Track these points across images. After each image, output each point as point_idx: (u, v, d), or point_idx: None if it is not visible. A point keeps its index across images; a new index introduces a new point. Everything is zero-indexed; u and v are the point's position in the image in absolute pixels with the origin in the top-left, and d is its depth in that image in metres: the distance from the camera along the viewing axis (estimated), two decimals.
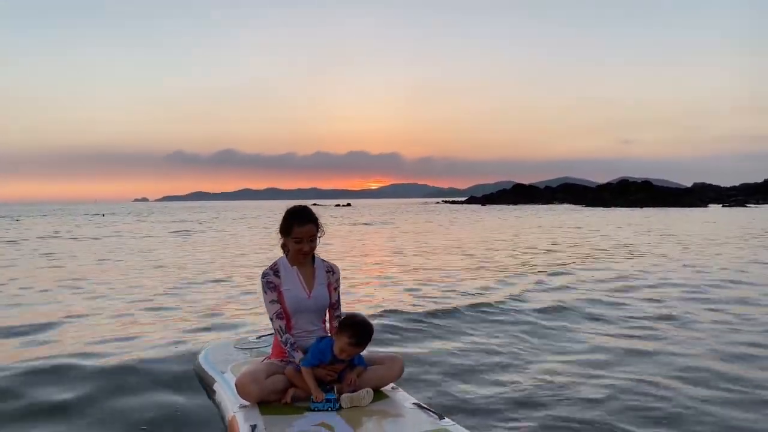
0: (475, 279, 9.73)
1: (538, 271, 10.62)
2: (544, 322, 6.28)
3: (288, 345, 3.47)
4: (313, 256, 3.72)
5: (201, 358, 4.20)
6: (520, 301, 7.52)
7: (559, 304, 7.25)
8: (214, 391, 3.70)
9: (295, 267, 3.63)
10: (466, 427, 3.00)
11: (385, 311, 6.62)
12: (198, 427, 3.56)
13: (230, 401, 3.34)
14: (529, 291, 8.30)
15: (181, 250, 16.44)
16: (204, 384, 3.94)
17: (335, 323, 3.61)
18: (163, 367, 4.49)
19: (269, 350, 4.07)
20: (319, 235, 3.63)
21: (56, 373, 4.35)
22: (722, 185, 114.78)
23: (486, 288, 8.63)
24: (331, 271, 3.73)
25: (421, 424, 3.00)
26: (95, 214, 59.20)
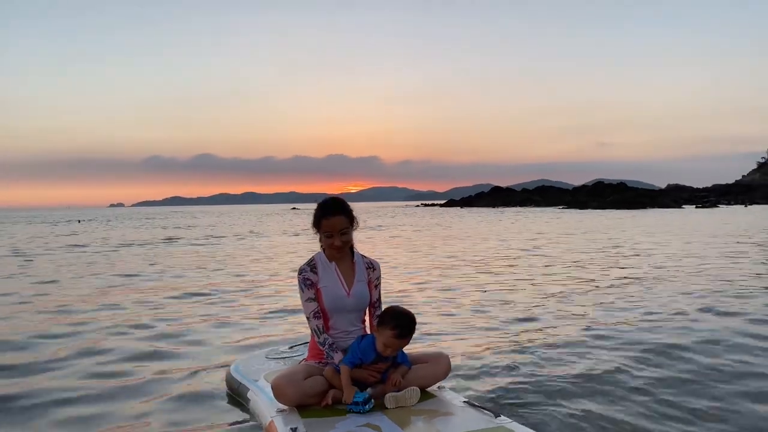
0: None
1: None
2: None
3: (326, 345, 3.28)
4: (353, 251, 3.52)
5: (232, 371, 4.05)
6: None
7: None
8: (248, 400, 3.57)
9: (333, 263, 3.42)
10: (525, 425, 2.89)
11: None
12: None
13: (267, 407, 3.21)
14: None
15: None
16: (237, 395, 3.82)
17: (375, 322, 3.37)
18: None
19: (300, 358, 4.00)
20: (353, 227, 3.42)
21: None
22: (695, 186, 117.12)
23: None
24: (372, 267, 3.53)
25: (475, 423, 2.85)
26: (69, 220, 58.21)
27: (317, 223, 3.38)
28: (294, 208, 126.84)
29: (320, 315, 3.34)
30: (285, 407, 3.08)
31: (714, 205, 77.91)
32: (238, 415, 3.63)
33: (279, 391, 3.06)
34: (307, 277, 3.36)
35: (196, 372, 4.64)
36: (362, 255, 3.56)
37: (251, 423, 3.44)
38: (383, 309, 3.33)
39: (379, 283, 3.56)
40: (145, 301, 8.38)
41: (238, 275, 11.39)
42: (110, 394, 4.17)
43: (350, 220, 3.40)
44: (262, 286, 9.76)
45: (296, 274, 3.47)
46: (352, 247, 3.51)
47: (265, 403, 3.28)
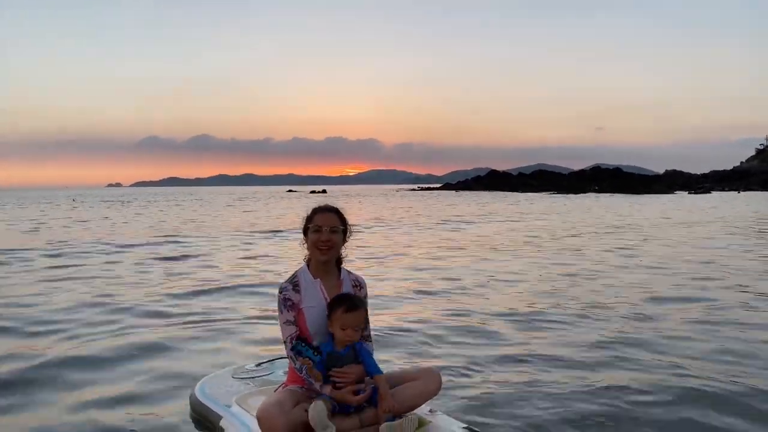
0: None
1: None
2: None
3: (304, 372, 2.99)
4: (339, 268, 3.25)
5: (198, 393, 3.73)
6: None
7: None
8: (221, 429, 3.27)
9: (318, 280, 3.14)
10: None
11: None
12: None
13: None
14: None
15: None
16: (206, 421, 3.51)
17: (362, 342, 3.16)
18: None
19: (271, 378, 3.85)
20: (345, 236, 3.20)
21: None
22: (694, 173, 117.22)
23: None
24: (359, 285, 3.24)
25: None
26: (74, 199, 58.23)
27: (309, 219, 3.17)
28: (290, 191, 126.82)
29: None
30: None
31: (708, 191, 78.14)
32: None
33: (268, 422, 2.75)
34: (288, 297, 3.07)
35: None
36: (348, 271, 3.29)
37: None
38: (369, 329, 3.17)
39: (366, 302, 3.25)
40: None
41: None
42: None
43: (343, 224, 3.19)
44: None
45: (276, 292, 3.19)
46: (339, 263, 3.27)
47: None
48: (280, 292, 3.08)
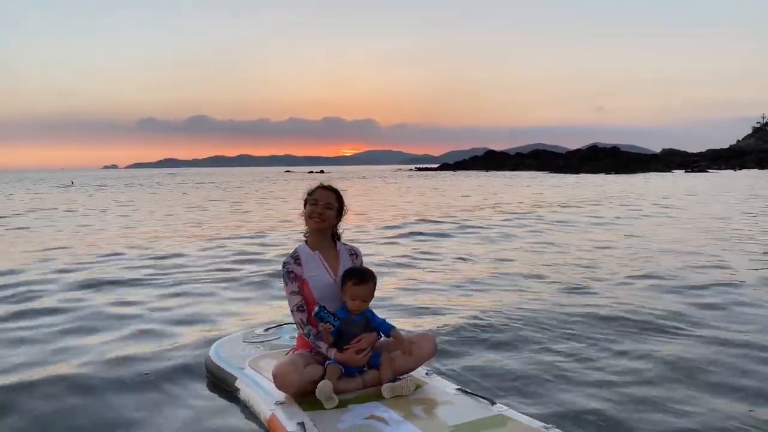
0: None
1: None
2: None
3: (311, 337, 3.31)
4: (335, 240, 3.58)
5: (213, 355, 3.99)
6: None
7: None
8: (237, 389, 3.52)
9: (316, 252, 3.46)
10: (521, 412, 2.96)
11: None
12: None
13: (262, 398, 3.21)
14: None
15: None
16: (222, 382, 3.75)
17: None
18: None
19: (279, 342, 4.14)
20: (340, 214, 3.53)
21: None
22: (691, 151, 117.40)
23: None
24: (355, 254, 3.58)
25: (473, 411, 2.92)
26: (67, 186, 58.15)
27: (310, 194, 3.48)
28: (287, 171, 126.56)
29: (304, 308, 3.35)
30: (283, 398, 3.12)
31: (704, 170, 78.45)
32: (226, 403, 3.53)
33: (282, 378, 3.08)
34: (291, 269, 3.37)
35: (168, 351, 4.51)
36: (344, 243, 3.61)
37: (239, 410, 3.38)
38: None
39: None
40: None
41: None
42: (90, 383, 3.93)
43: (339, 201, 3.51)
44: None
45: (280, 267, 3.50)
46: (334, 237, 3.58)
47: (259, 395, 3.28)
48: (284, 266, 3.40)
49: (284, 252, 8.03)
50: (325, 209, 3.43)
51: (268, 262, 8.45)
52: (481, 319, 5.15)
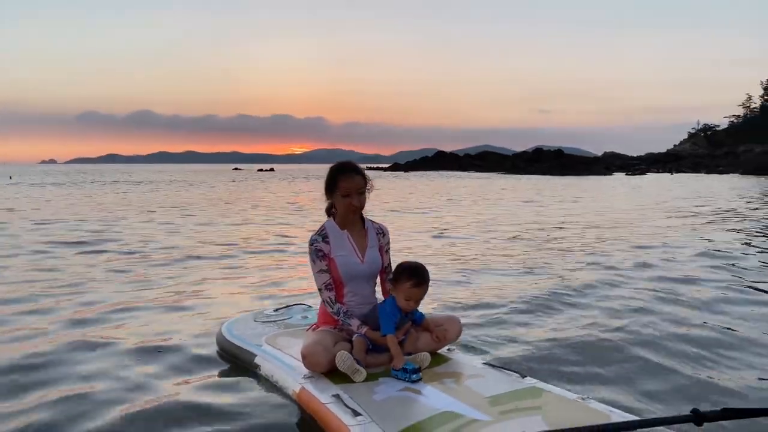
0: None
1: None
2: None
3: (341, 315, 3.28)
4: (362, 218, 3.50)
5: (226, 334, 4.02)
6: None
7: None
8: (257, 366, 3.55)
9: (345, 230, 3.39)
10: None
11: None
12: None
13: (288, 373, 3.24)
14: None
15: None
16: (238, 359, 3.78)
17: (388, 286, 3.43)
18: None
19: (291, 321, 4.18)
20: (368, 188, 3.41)
21: None
22: (631, 155, 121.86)
23: None
24: (382, 232, 3.53)
25: (506, 384, 2.93)
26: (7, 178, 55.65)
27: (333, 184, 3.34)
28: (236, 169, 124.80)
29: (332, 287, 3.33)
30: (310, 373, 3.11)
31: (643, 172, 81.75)
32: (246, 379, 3.59)
33: (313, 358, 3.06)
34: (319, 248, 3.32)
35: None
36: (371, 220, 3.56)
37: (261, 386, 3.45)
38: (395, 267, 3.36)
39: (389, 248, 3.58)
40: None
41: None
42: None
43: (365, 181, 3.39)
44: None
45: (307, 245, 3.40)
46: (361, 214, 3.48)
47: (284, 370, 3.29)
48: (311, 244, 3.33)
49: None
50: (360, 197, 3.34)
51: None
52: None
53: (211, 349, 4.17)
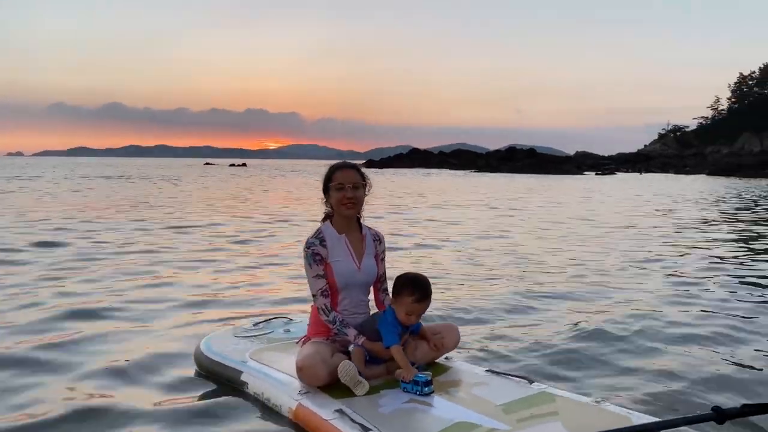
0: None
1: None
2: None
3: (337, 324, 3.11)
4: (360, 224, 3.39)
5: (206, 351, 3.75)
6: None
7: None
8: (243, 383, 3.32)
9: (343, 235, 3.26)
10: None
11: None
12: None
13: (281, 390, 3.04)
14: None
15: None
16: (221, 377, 3.54)
17: (381, 296, 3.38)
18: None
19: (273, 335, 3.95)
20: (366, 188, 3.30)
21: None
22: (602, 154, 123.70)
23: None
24: (378, 239, 3.42)
25: (516, 391, 2.86)
26: None
27: (328, 178, 3.26)
28: (208, 164, 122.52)
29: (328, 293, 3.17)
30: (305, 389, 2.94)
31: (613, 172, 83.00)
32: (231, 399, 3.34)
33: (311, 370, 2.90)
34: (316, 251, 3.17)
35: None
36: (368, 227, 3.44)
37: (249, 405, 3.24)
38: (395, 278, 3.19)
39: (385, 257, 3.47)
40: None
41: None
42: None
43: (363, 179, 3.29)
44: None
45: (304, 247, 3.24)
46: (359, 219, 3.39)
47: (275, 386, 3.11)
48: (308, 247, 3.17)
49: None
50: (354, 191, 3.22)
51: None
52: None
53: (188, 369, 3.86)
